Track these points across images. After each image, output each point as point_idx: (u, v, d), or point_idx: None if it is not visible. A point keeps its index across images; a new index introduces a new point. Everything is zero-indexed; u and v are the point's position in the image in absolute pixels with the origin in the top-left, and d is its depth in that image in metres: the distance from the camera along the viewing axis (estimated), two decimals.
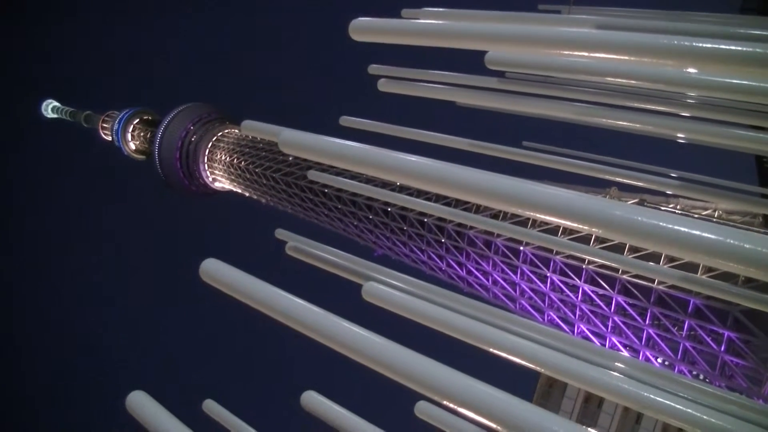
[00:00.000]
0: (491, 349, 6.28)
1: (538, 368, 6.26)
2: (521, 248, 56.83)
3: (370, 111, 14.19)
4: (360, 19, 6.40)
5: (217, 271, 5.75)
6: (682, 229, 3.60)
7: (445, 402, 4.47)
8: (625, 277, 48.67)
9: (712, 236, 3.53)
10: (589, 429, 51.47)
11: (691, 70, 5.80)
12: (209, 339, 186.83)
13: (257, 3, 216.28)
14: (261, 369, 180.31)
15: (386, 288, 7.06)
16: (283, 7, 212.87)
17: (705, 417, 5.18)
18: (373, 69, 11.74)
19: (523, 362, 6.16)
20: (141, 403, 6.14)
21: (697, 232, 3.57)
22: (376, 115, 11.80)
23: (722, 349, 44.17)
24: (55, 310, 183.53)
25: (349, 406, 7.08)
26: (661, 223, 3.66)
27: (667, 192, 12.21)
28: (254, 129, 8.23)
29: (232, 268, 5.76)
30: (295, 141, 5.72)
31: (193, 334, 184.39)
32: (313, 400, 7.35)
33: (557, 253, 53.53)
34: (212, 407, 8.43)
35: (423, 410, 7.41)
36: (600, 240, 41.93)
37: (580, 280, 52.39)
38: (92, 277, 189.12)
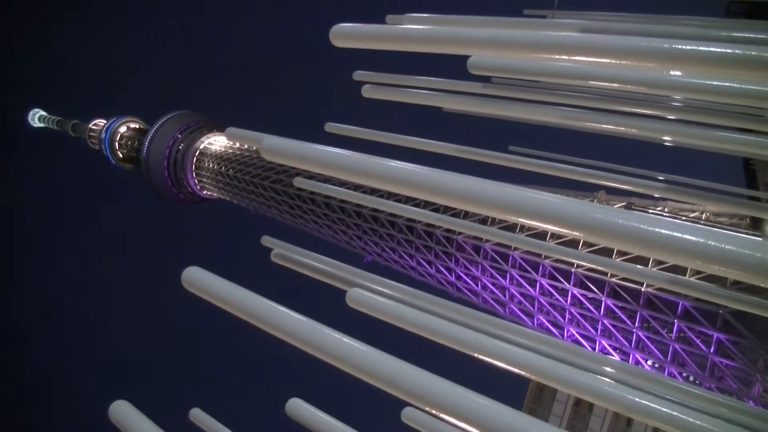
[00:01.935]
0: (480, 356, 6.25)
1: (526, 374, 6.24)
2: (510, 253, 56.93)
3: (356, 117, 14.17)
4: (341, 24, 6.36)
5: (199, 279, 5.69)
6: (663, 231, 3.58)
7: (429, 409, 4.44)
8: (613, 280, 48.83)
9: (693, 238, 3.50)
10: None
11: (675, 72, 5.81)
12: (195, 347, 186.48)
13: (245, 10, 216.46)
14: (248, 377, 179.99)
15: (371, 294, 7.02)
16: (271, 14, 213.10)
17: (693, 420, 5.16)
18: (358, 75, 11.72)
19: (512, 368, 6.13)
20: (124, 412, 6.07)
21: (678, 235, 3.54)
22: (362, 122, 11.78)
23: (711, 350, 44.34)
24: (42, 317, 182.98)
25: (335, 413, 7.04)
26: (641, 226, 3.63)
27: (655, 195, 12.26)
28: (238, 136, 8.19)
29: (214, 277, 5.70)
30: (277, 148, 5.66)
31: (179, 341, 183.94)
32: (299, 407, 7.29)
33: (546, 257, 53.63)
34: (199, 416, 8.36)
35: (410, 416, 7.37)
36: (589, 244, 42.05)
37: (569, 283, 52.51)
38: (80, 283, 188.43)
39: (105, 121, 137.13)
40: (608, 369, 6.52)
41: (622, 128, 9.87)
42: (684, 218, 49.38)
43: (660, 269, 37.34)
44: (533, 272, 55.49)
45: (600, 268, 11.23)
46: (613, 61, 5.22)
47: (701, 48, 4.76)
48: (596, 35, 5.52)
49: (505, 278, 59.17)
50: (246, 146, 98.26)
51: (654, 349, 49.36)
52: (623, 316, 49.90)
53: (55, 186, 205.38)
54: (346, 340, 4.86)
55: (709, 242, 3.46)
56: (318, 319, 5.19)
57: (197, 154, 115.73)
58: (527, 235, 40.55)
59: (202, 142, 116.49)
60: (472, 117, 12.43)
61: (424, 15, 10.02)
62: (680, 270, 35.06)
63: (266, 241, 9.49)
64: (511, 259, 57.20)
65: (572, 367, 6.15)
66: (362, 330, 5.42)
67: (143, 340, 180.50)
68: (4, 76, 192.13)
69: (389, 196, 43.95)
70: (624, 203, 53.00)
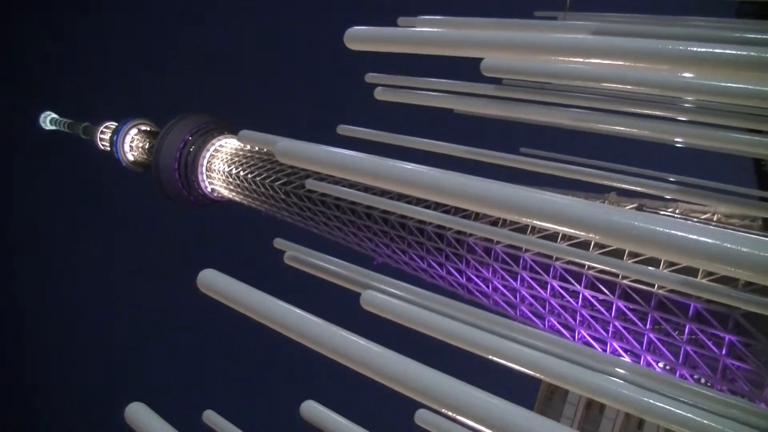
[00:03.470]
0: (491, 357, 6.25)
1: (538, 375, 6.24)
2: (521, 255, 56.81)
3: (368, 120, 14.20)
4: (355, 27, 6.40)
5: (214, 281, 5.73)
6: (679, 233, 3.58)
7: (444, 410, 4.45)
8: (625, 281, 48.68)
9: (709, 240, 3.51)
10: None
11: (687, 74, 5.80)
12: (209, 349, 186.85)
13: (255, 12, 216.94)
14: (262, 379, 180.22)
15: (385, 296, 7.04)
16: (282, 17, 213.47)
17: (706, 422, 5.16)
18: (370, 77, 11.73)
19: (524, 369, 6.13)
20: (140, 414, 6.11)
21: (694, 237, 3.55)
22: (374, 124, 11.81)
23: (723, 352, 44.16)
24: (53, 319, 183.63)
25: (349, 415, 7.05)
26: (658, 228, 3.64)
27: (666, 196, 12.22)
28: (251, 139, 8.22)
29: (229, 279, 5.74)
30: (291, 150, 5.70)
31: (192, 343, 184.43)
32: (313, 409, 7.31)
33: (557, 259, 53.52)
34: (212, 418, 8.39)
35: (423, 418, 7.38)
36: (600, 245, 41.92)
37: (580, 285, 52.39)
38: (89, 286, 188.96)
39: (116, 124, 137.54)
40: (619, 370, 6.51)
41: (633, 130, 9.85)
42: (695, 220, 49.22)
43: (671, 271, 37.26)
44: (544, 274, 55.38)
45: (611, 270, 11.24)
46: (626, 63, 5.23)
47: (714, 50, 4.76)
48: (608, 37, 5.53)
49: (515, 280, 59.08)
50: (257, 148, 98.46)
51: (665, 351, 49.21)
52: (634, 318, 49.76)
53: (66, 188, 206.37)
54: (360, 341, 4.88)
55: (726, 244, 3.47)
56: (325, 319, 5.21)
57: (208, 156, 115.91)
58: (538, 237, 40.51)
59: (213, 144, 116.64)
60: (483, 119, 12.43)
61: (436, 17, 10.03)
62: (692, 271, 34.93)
63: (279, 243, 9.51)
64: (522, 261, 57.10)
65: (583, 368, 6.15)
66: (371, 330, 5.43)
67: (157, 342, 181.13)
68: (15, 79, 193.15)
69: (399, 197, 43.98)
70: (635, 205, 52.82)
